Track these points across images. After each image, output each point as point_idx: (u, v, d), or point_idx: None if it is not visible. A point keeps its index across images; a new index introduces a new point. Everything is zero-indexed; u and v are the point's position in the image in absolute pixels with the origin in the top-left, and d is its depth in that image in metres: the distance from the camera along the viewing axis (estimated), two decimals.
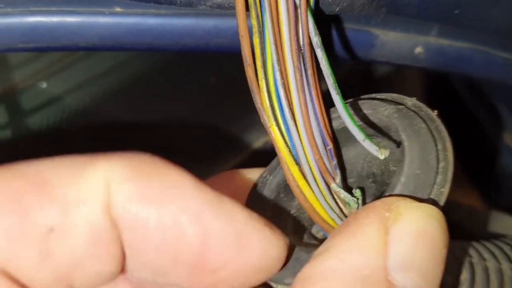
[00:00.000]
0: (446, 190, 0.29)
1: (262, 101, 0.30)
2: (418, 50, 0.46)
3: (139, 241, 0.27)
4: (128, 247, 0.28)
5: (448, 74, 0.56)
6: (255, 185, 0.34)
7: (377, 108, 0.32)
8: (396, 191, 0.29)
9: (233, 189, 0.35)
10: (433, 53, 0.47)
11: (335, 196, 0.33)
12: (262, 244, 0.28)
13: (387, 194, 0.29)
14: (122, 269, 0.29)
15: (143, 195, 0.27)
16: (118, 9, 0.36)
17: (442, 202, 0.29)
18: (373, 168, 0.35)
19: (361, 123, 0.32)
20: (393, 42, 0.45)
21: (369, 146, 0.29)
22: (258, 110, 0.31)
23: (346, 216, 0.33)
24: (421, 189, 0.29)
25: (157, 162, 0.28)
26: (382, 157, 0.29)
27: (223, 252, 0.27)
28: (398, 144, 0.32)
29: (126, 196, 0.27)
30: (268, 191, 0.33)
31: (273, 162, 0.33)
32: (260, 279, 0.29)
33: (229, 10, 0.36)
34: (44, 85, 0.50)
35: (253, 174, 0.35)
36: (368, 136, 0.29)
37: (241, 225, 0.28)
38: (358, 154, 0.35)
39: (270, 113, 0.30)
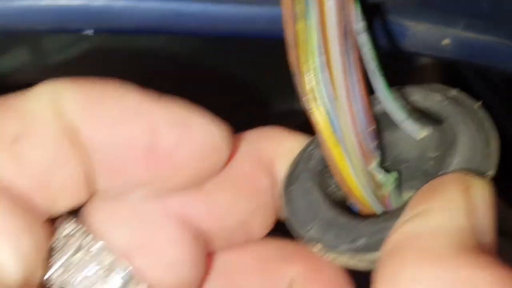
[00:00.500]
0: (491, 174, 0.30)
1: (304, 84, 0.31)
2: (446, 41, 0.47)
3: (98, 145, 0.31)
4: (89, 151, 0.31)
5: (464, 67, 0.57)
6: (300, 155, 0.35)
7: (426, 94, 0.33)
8: (451, 171, 0.30)
9: (272, 147, 0.36)
10: (460, 45, 0.47)
11: (372, 178, 0.34)
12: (203, 123, 0.32)
13: (440, 173, 0.30)
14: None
15: (92, 104, 0.30)
16: None
17: None
18: (409, 154, 0.36)
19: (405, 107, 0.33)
20: (423, 33, 0.46)
21: (408, 126, 0.30)
22: (300, 93, 0.32)
23: (379, 198, 0.35)
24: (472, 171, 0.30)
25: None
26: (420, 137, 0.30)
27: (170, 137, 0.31)
28: (440, 130, 0.33)
29: (76, 105, 0.30)
30: (315, 164, 0.34)
31: (317, 138, 0.34)
32: (213, 159, 0.33)
33: None
34: None
35: (293, 141, 0.36)
36: (408, 117, 0.30)
37: (181, 110, 0.32)
38: (395, 140, 0.36)
39: (313, 96, 0.31)
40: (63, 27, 0.35)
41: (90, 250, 0.31)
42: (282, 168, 0.36)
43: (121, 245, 0.32)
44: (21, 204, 0.29)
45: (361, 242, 0.31)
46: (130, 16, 0.36)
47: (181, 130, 0.31)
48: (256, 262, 0.37)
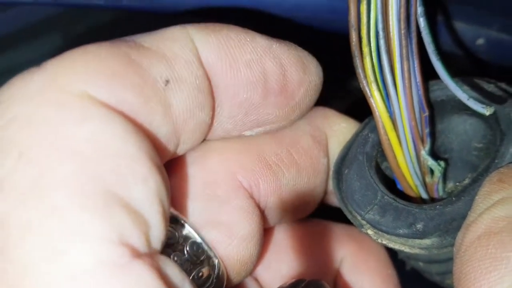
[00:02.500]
0: None
1: (364, 66, 0.31)
2: (480, 42, 0.48)
3: (232, 84, 0.31)
4: (223, 93, 0.31)
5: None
6: (355, 139, 0.35)
7: (481, 83, 0.33)
8: (506, 159, 0.31)
9: (327, 128, 0.36)
10: (493, 46, 0.48)
11: (422, 164, 0.34)
12: (314, 64, 0.34)
13: (496, 161, 0.31)
14: (211, 124, 0.32)
15: (224, 46, 0.31)
16: None
17: None
18: (453, 144, 0.36)
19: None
20: (458, 31, 0.47)
21: (474, 104, 0.30)
22: (358, 76, 0.32)
23: (426, 185, 0.35)
24: None
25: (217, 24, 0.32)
26: (488, 113, 0.30)
27: (297, 75, 0.33)
28: (486, 120, 0.33)
29: (210, 48, 0.30)
30: (371, 148, 0.34)
31: (372, 122, 0.34)
32: (316, 99, 0.34)
33: None
34: None
35: (347, 123, 0.37)
36: (470, 97, 0.30)
37: (300, 52, 0.33)
38: (440, 130, 0.36)
39: (372, 79, 0.31)
40: None
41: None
42: (335, 149, 0.36)
43: (195, 217, 0.32)
44: (157, 148, 0.28)
45: (418, 226, 0.31)
46: None
47: (302, 70, 0.33)
48: (307, 239, 0.37)
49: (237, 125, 0.33)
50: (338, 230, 0.38)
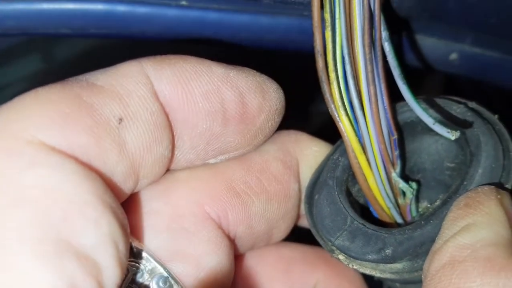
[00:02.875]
0: (509, 187, 0.31)
1: (332, 91, 0.31)
2: (453, 56, 0.48)
3: (190, 116, 0.31)
4: (182, 126, 0.31)
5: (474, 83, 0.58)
6: (325, 162, 0.35)
7: (450, 105, 0.33)
8: (475, 181, 0.30)
9: (298, 152, 0.36)
10: (467, 60, 0.48)
11: (393, 186, 0.34)
12: (274, 88, 0.33)
13: (465, 182, 0.31)
14: (172, 156, 0.32)
15: (180, 79, 0.31)
16: (183, 3, 0.37)
17: None
18: (426, 164, 0.36)
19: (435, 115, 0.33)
20: (430, 47, 0.47)
21: (439, 129, 0.30)
22: (326, 101, 0.32)
23: (399, 207, 0.35)
24: (493, 181, 0.30)
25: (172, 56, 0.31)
26: (453, 138, 0.30)
27: (255, 101, 0.32)
28: (458, 140, 0.33)
29: (166, 81, 0.30)
30: (341, 172, 0.34)
31: (343, 145, 0.34)
32: (278, 122, 0.34)
33: (288, 6, 0.37)
34: None
35: (319, 146, 0.37)
36: (436, 122, 0.30)
37: (259, 78, 0.33)
38: (411, 151, 0.36)
39: (339, 104, 0.31)
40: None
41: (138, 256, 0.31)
42: (306, 173, 0.36)
43: (161, 251, 0.32)
44: (113, 187, 0.28)
45: (388, 251, 0.31)
46: (152, 23, 0.36)
47: (262, 96, 0.33)
48: (281, 264, 0.37)
49: (200, 155, 0.33)
50: (311, 254, 0.38)
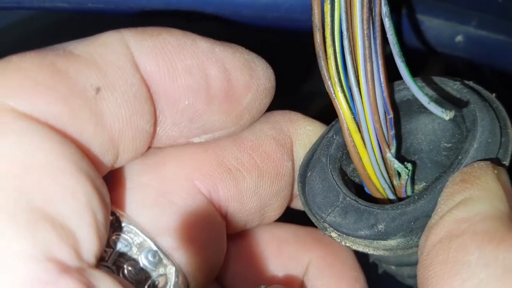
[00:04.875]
0: (507, 163, 0.29)
1: (328, 67, 0.30)
2: (459, 38, 0.46)
3: (172, 91, 0.30)
4: (164, 100, 0.30)
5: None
6: (319, 140, 0.34)
7: (447, 82, 0.32)
8: (469, 156, 0.29)
9: (292, 131, 0.35)
10: (472, 43, 0.46)
11: (388, 166, 0.32)
12: (263, 67, 0.32)
13: (459, 157, 0.29)
14: (154, 131, 0.30)
15: (162, 51, 0.29)
16: None
17: None
18: (422, 145, 0.35)
19: (430, 93, 0.32)
20: (436, 29, 0.45)
21: (434, 108, 0.29)
22: (323, 77, 0.30)
23: (393, 187, 0.33)
24: (489, 157, 0.29)
25: (155, 28, 0.30)
26: (447, 118, 0.29)
27: (242, 79, 0.31)
28: (455, 119, 0.32)
29: (147, 53, 0.29)
30: (335, 150, 0.33)
31: (338, 124, 0.33)
32: (267, 102, 0.33)
33: None
34: None
35: (313, 126, 0.35)
36: (431, 100, 0.29)
37: (247, 55, 0.31)
38: (408, 131, 0.34)
39: (335, 80, 0.30)
40: None
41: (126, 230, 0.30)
42: (300, 152, 0.35)
43: (150, 225, 0.31)
44: (92, 159, 0.27)
45: (380, 227, 0.30)
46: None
47: (249, 74, 0.31)
48: (273, 245, 0.36)
49: (183, 133, 0.31)
50: (304, 234, 0.37)
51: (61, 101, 0.26)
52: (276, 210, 0.35)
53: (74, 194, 0.25)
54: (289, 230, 0.37)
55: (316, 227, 0.33)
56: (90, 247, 0.25)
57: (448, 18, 0.45)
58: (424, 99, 0.29)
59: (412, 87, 0.29)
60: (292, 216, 0.37)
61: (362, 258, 0.38)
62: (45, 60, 0.26)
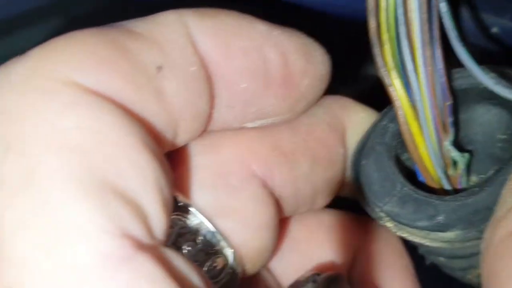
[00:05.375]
0: None
1: (384, 54, 0.29)
2: (494, 30, 0.46)
3: (229, 72, 0.29)
4: (220, 82, 0.29)
5: None
6: (373, 128, 0.33)
7: (505, 70, 0.31)
8: None
9: (345, 117, 0.34)
10: (508, 35, 0.46)
11: (445, 155, 0.32)
12: (320, 53, 0.31)
13: None
14: (211, 113, 0.29)
15: (220, 32, 0.28)
16: None
17: None
18: (477, 136, 0.34)
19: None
20: (472, 20, 0.45)
21: (501, 89, 0.28)
22: (376, 64, 0.30)
23: (449, 178, 0.33)
24: None
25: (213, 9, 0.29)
26: None
27: (300, 64, 0.30)
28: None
29: (205, 33, 0.28)
30: (390, 138, 0.32)
31: (391, 111, 0.32)
32: (323, 89, 0.32)
33: None
34: None
35: (365, 113, 0.34)
36: (498, 82, 0.28)
37: (304, 40, 0.31)
38: (463, 121, 0.34)
39: (391, 66, 0.29)
40: None
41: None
42: (353, 139, 0.34)
43: (208, 206, 0.30)
44: (153, 137, 0.26)
45: (440, 218, 0.29)
46: None
47: (306, 59, 0.30)
48: (320, 231, 0.35)
49: (238, 117, 0.30)
50: (352, 221, 0.36)
51: (125, 77, 0.25)
52: (327, 197, 0.34)
53: (143, 170, 0.24)
54: (336, 216, 0.36)
55: (365, 215, 0.32)
56: (159, 224, 0.25)
57: (483, 9, 0.45)
58: (490, 81, 0.28)
59: (475, 70, 0.28)
60: (338, 204, 0.36)
61: (409, 248, 0.37)
62: (108, 37, 0.26)
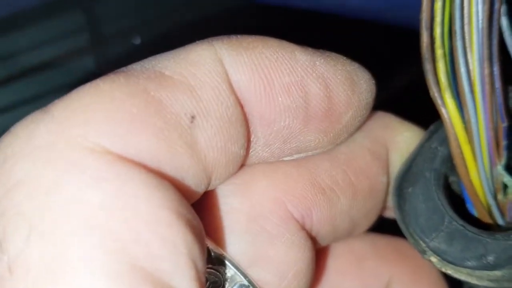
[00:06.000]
0: None
1: (437, 71, 0.27)
2: None
3: (268, 112, 0.26)
4: (257, 121, 0.26)
5: None
6: (418, 150, 0.30)
7: None
8: None
9: (387, 139, 0.31)
10: None
11: (495, 180, 0.29)
12: (366, 79, 0.29)
13: None
14: (246, 155, 0.27)
15: (259, 67, 0.26)
16: None
17: None
18: None
19: None
20: None
21: None
22: (428, 82, 0.27)
23: (498, 204, 0.30)
24: None
25: (249, 38, 0.26)
26: None
27: (344, 96, 0.28)
28: None
29: (243, 70, 0.25)
30: (440, 164, 0.29)
31: (440, 132, 0.30)
32: (366, 116, 0.30)
33: None
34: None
35: (410, 132, 0.32)
36: None
37: (349, 67, 0.28)
38: None
39: (445, 85, 0.27)
40: None
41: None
42: (396, 163, 0.31)
43: (241, 255, 0.27)
44: (184, 193, 0.24)
45: (490, 259, 0.27)
46: None
47: (351, 89, 0.28)
48: (352, 258, 0.33)
49: (275, 153, 0.28)
50: (384, 246, 0.34)
51: (158, 136, 0.23)
52: (364, 228, 0.32)
53: (175, 247, 0.22)
54: (368, 242, 0.34)
55: (396, 233, 0.30)
56: None
57: None
58: None
59: None
60: None
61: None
62: (138, 87, 0.23)
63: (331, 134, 0.28)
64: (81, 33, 0.51)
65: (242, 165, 0.27)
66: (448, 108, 0.27)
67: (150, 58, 0.25)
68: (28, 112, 0.23)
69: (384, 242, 0.34)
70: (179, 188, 0.23)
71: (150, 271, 0.21)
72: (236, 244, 0.27)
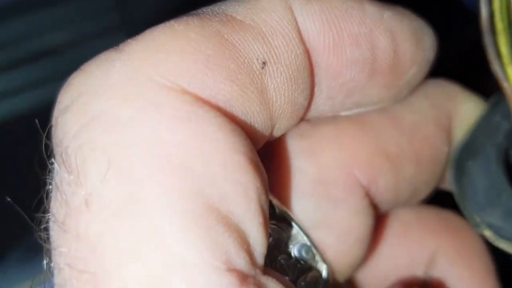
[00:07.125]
0: None
1: (498, 45, 0.26)
2: None
3: (335, 63, 0.25)
4: (323, 73, 0.25)
5: None
6: (481, 123, 0.30)
7: None
8: None
9: (451, 109, 0.30)
10: None
11: None
12: (430, 36, 0.28)
13: None
14: (309, 106, 0.26)
15: (329, 17, 0.25)
16: None
17: None
18: None
19: None
20: None
21: None
22: (489, 56, 0.26)
23: None
24: None
25: None
26: None
27: (410, 52, 0.27)
28: None
29: (312, 19, 0.25)
30: (502, 139, 0.29)
31: (503, 106, 0.29)
32: (427, 72, 0.28)
33: None
34: None
35: (473, 102, 0.31)
36: None
37: (415, 22, 0.27)
38: None
39: (508, 59, 0.26)
40: None
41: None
42: (458, 133, 0.30)
43: (306, 217, 0.27)
44: (252, 140, 0.23)
45: None
46: None
47: (416, 44, 0.27)
48: (399, 227, 0.32)
49: (335, 107, 0.27)
50: (431, 217, 0.33)
51: (231, 79, 0.22)
52: (423, 197, 0.31)
53: (246, 191, 0.21)
54: (416, 212, 0.33)
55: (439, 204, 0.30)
56: (261, 249, 0.22)
57: None
58: None
59: None
60: None
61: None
62: (212, 29, 0.22)
63: (394, 90, 0.27)
64: (111, 13, 0.51)
65: (301, 119, 0.27)
66: (510, 81, 0.26)
67: (219, 3, 0.24)
68: (59, 90, 0.23)
69: (431, 213, 0.33)
70: (248, 134, 0.23)
71: (225, 215, 0.20)
72: (301, 205, 0.27)
